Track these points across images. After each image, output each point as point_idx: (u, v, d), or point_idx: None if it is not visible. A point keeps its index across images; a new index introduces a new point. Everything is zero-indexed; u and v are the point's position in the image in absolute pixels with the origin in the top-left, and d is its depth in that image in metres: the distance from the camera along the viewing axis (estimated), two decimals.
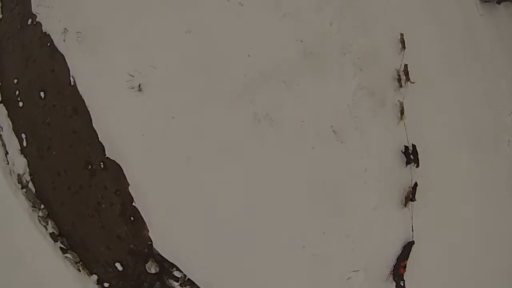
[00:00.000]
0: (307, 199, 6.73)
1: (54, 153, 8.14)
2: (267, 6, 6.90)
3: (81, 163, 7.92)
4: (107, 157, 7.44)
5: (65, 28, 8.16)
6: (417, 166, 7.81)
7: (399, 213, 7.56)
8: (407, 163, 7.69)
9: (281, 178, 6.48)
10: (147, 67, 6.71)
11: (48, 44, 8.68)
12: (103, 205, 7.68)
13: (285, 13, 6.94)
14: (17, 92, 8.89)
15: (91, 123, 7.66)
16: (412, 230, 7.55)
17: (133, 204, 7.31)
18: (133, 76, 6.87)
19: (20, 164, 8.30)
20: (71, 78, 8.07)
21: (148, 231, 7.21)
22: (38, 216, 7.95)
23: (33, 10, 8.74)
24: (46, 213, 8.03)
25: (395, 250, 7.58)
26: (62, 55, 8.18)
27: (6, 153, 8.20)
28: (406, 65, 8.21)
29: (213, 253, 6.77)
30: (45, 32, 8.65)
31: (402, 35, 8.32)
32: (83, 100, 7.70)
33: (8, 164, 8.13)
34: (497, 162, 9.34)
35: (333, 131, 6.64)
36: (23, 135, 8.55)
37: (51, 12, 8.53)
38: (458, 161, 8.88)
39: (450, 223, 8.41)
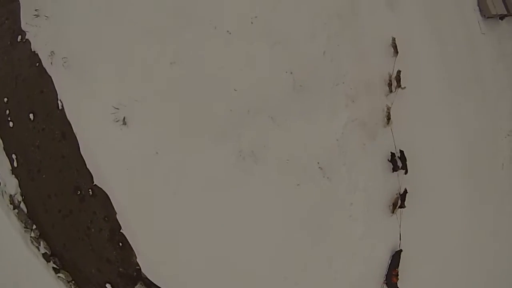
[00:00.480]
0: (290, 232, 6.74)
1: (44, 176, 8.23)
2: (256, 34, 6.65)
3: (71, 188, 8.00)
4: (95, 184, 7.56)
5: (52, 51, 8.03)
6: (406, 173, 7.64)
7: (386, 221, 7.46)
8: (394, 169, 7.52)
9: (264, 213, 6.48)
10: (131, 101, 6.69)
11: (37, 64, 8.58)
12: (93, 230, 7.81)
13: (276, 42, 6.66)
14: (7, 112, 8.89)
15: (79, 149, 7.77)
16: (400, 239, 7.53)
17: (121, 231, 7.49)
18: (117, 108, 6.81)
19: (12, 184, 8.41)
20: (59, 102, 8.06)
21: (136, 257, 7.41)
22: (31, 237, 8.14)
23: (23, 27, 8.65)
24: (38, 234, 8.20)
25: (381, 269, 7.67)
26: (50, 77, 8.24)
27: None
28: (399, 71, 7.98)
29: (198, 280, 6.92)
30: (34, 51, 8.60)
31: (394, 39, 8.05)
32: (71, 126, 7.81)
33: (0, 184, 8.30)
34: (490, 185, 9.26)
35: (319, 167, 6.56)
36: (14, 156, 8.63)
37: (39, 32, 8.44)
38: (449, 188, 8.82)
39: (440, 230, 8.45)
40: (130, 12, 6.93)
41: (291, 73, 6.55)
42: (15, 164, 8.39)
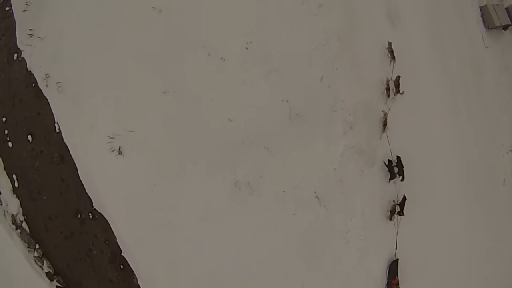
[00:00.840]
0: (287, 260, 6.83)
1: (44, 197, 8.30)
2: (252, 61, 6.54)
3: (71, 211, 8.08)
4: (95, 209, 7.63)
5: (47, 74, 7.96)
6: (402, 180, 7.66)
7: (383, 233, 7.51)
8: (391, 178, 7.55)
9: (260, 242, 6.55)
10: (126, 131, 6.65)
11: (33, 84, 8.48)
12: (94, 252, 7.93)
13: (271, 69, 6.56)
14: (6, 132, 8.87)
15: (78, 173, 7.80)
16: (396, 248, 7.58)
17: (122, 254, 7.61)
18: (113, 138, 6.81)
19: (13, 204, 8.50)
20: (56, 125, 8.07)
21: (137, 279, 7.56)
22: (34, 256, 8.29)
23: (18, 45, 8.52)
24: (41, 253, 8.35)
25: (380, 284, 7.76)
26: (47, 99, 8.18)
27: None
28: (398, 77, 7.93)
29: None
30: (30, 71, 8.53)
31: (390, 44, 7.96)
32: (69, 150, 7.82)
33: (1, 204, 8.39)
34: (490, 200, 9.25)
35: (316, 196, 6.57)
36: (14, 176, 8.71)
37: (33, 52, 8.32)
38: (448, 200, 8.82)
39: (438, 240, 8.50)
40: (123, 38, 6.82)
41: (287, 101, 6.47)
42: (16, 185, 8.46)
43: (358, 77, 7.13)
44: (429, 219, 8.40)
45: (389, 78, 7.83)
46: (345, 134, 6.84)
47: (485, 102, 9.38)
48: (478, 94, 9.28)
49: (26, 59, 8.17)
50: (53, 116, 7.84)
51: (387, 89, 7.86)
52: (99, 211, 7.47)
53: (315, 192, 6.64)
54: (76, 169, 7.62)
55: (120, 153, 6.65)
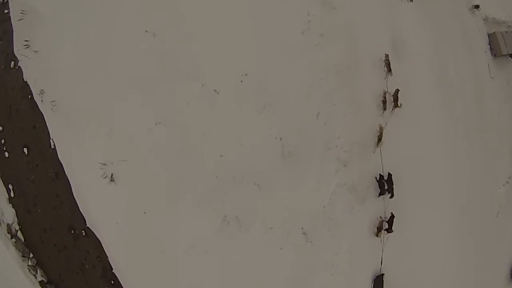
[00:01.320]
0: None
1: (39, 210, 8.43)
2: (246, 94, 6.45)
3: (65, 226, 8.21)
4: (88, 227, 7.75)
5: (42, 90, 7.91)
6: (391, 197, 7.70)
7: (369, 250, 7.56)
8: (380, 193, 7.57)
9: (247, 275, 6.65)
10: (118, 160, 6.66)
11: (29, 96, 8.43)
12: (86, 266, 8.12)
13: (266, 104, 6.47)
14: (2, 141, 8.92)
15: (72, 191, 7.87)
16: (381, 263, 7.70)
17: (113, 271, 7.79)
18: (105, 164, 6.84)
19: (9, 213, 8.62)
20: (51, 141, 8.08)
21: None
22: (28, 265, 8.50)
23: (15, 53, 8.41)
24: (35, 262, 8.57)
25: None
26: (42, 114, 8.16)
27: None
28: (397, 90, 7.83)
29: None
30: (26, 82, 8.46)
31: (387, 56, 7.81)
32: (63, 167, 7.85)
33: None
34: (482, 231, 9.26)
35: (303, 233, 6.62)
36: (10, 186, 8.82)
37: (29, 64, 8.22)
38: (437, 228, 8.80)
39: (426, 261, 8.61)
40: (115, 61, 6.71)
41: (281, 139, 6.41)
42: (12, 194, 8.58)
43: (356, 113, 7.04)
44: (417, 239, 8.46)
45: (386, 91, 7.72)
46: (338, 172, 6.84)
47: (485, 133, 9.26)
48: (479, 124, 9.16)
49: (22, 69, 8.16)
50: (48, 131, 7.90)
51: (384, 102, 7.77)
52: (92, 230, 7.65)
53: (302, 229, 6.70)
54: (70, 187, 7.76)
55: (112, 180, 6.71)
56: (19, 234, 8.76)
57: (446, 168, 8.85)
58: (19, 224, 8.76)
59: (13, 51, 8.43)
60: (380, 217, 7.48)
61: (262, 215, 6.46)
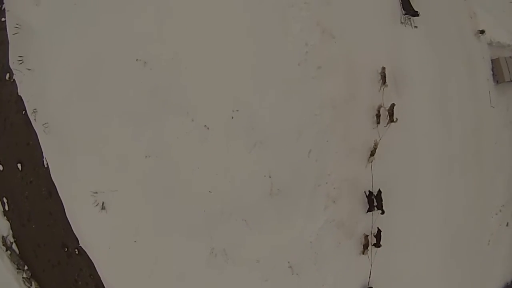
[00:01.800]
0: None
1: (33, 226, 8.53)
2: (236, 131, 6.36)
3: (58, 243, 8.29)
4: (81, 246, 7.83)
5: (35, 109, 7.84)
6: (382, 213, 7.66)
7: (355, 275, 7.54)
8: (369, 210, 7.54)
9: None
10: (109, 189, 6.64)
11: (23, 112, 8.41)
12: (80, 283, 8.27)
13: (257, 142, 6.40)
14: None
15: (65, 211, 7.91)
16: (370, 277, 7.69)
17: None
18: (96, 193, 6.86)
19: (4, 226, 8.69)
20: (44, 160, 8.06)
21: None
22: (23, 277, 8.67)
23: (10, 65, 8.29)
24: (30, 275, 8.73)
25: None
26: (35, 132, 8.10)
27: None
28: (393, 104, 7.75)
29: None
30: (20, 96, 8.37)
31: (383, 68, 7.73)
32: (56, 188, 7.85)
33: None
34: (473, 261, 9.23)
35: (289, 266, 6.65)
36: (5, 199, 8.88)
37: (23, 80, 8.12)
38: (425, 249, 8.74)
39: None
40: (106, 90, 6.64)
41: (270, 176, 6.38)
42: (6, 208, 8.66)
43: (349, 149, 6.95)
44: (406, 259, 8.47)
45: (381, 105, 7.63)
46: (327, 209, 6.83)
47: (482, 160, 9.15)
48: (475, 152, 9.03)
49: (17, 83, 8.06)
50: (42, 150, 7.89)
51: (378, 115, 7.70)
52: (85, 250, 7.74)
53: (288, 262, 6.74)
54: (63, 207, 7.80)
55: (103, 208, 6.75)
56: (14, 246, 8.92)
57: (439, 194, 8.78)
58: (13, 237, 8.92)
59: (8, 63, 8.39)
60: (365, 234, 7.45)
61: (249, 248, 6.51)
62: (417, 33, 8.24)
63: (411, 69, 7.93)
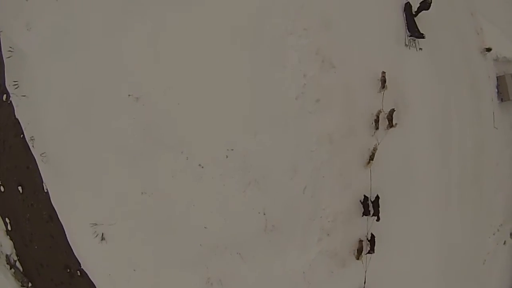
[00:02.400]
0: None
1: (36, 246, 8.70)
2: (231, 170, 6.38)
3: (61, 264, 8.46)
4: (83, 268, 7.99)
5: (32, 137, 7.80)
6: (378, 220, 7.70)
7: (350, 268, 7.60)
8: (364, 214, 7.59)
9: None
10: (107, 223, 6.71)
11: (21, 135, 8.40)
12: None
13: (251, 181, 6.42)
14: None
15: (66, 235, 8.01)
16: (365, 283, 7.79)
17: None
18: (96, 224, 6.97)
19: (7, 245, 8.87)
20: (44, 185, 8.09)
21: None
22: None
23: (7, 86, 8.21)
24: None
25: None
26: (34, 157, 8.09)
27: None
28: (392, 110, 7.70)
29: None
30: (18, 119, 8.31)
31: (384, 73, 7.63)
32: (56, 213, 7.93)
33: None
34: (468, 279, 9.29)
35: None
36: (7, 220, 9.01)
37: (20, 104, 8.05)
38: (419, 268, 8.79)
39: None
40: (99, 124, 6.60)
41: (264, 214, 6.42)
42: (9, 228, 8.81)
43: (346, 183, 6.89)
44: (399, 273, 8.53)
45: (380, 110, 7.55)
46: (320, 241, 6.87)
47: (481, 181, 9.11)
48: (475, 173, 8.98)
49: (14, 105, 8.01)
50: (41, 175, 7.92)
51: (376, 121, 7.62)
52: (87, 273, 7.91)
53: None
54: (64, 231, 7.91)
55: (103, 238, 6.88)
56: (18, 264, 9.15)
57: (436, 215, 8.76)
58: (17, 255, 9.15)
59: (4, 84, 8.30)
60: (360, 239, 7.47)
61: (244, 279, 6.60)
62: (422, 55, 8.04)
63: (412, 94, 7.77)
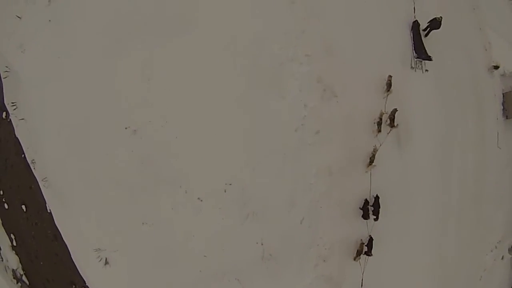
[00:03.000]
0: None
1: (41, 263, 8.89)
2: (229, 204, 6.39)
3: (66, 280, 8.68)
4: (88, 286, 8.18)
5: (33, 160, 7.78)
6: (376, 219, 7.70)
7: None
8: (364, 217, 7.60)
9: None
10: (110, 249, 6.80)
11: (22, 155, 8.41)
12: None
13: (249, 213, 6.43)
14: (1, 192, 9.06)
15: (71, 255, 8.14)
16: (362, 285, 7.79)
17: None
18: (99, 249, 7.05)
19: (13, 260, 9.10)
20: (47, 206, 8.14)
21: None
22: None
23: (6, 105, 8.12)
24: None
25: None
26: (36, 179, 8.09)
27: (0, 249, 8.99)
28: (395, 110, 7.61)
29: None
30: (18, 138, 8.27)
31: (390, 77, 7.50)
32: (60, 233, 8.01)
33: (2, 260, 8.98)
34: None
35: None
36: (13, 236, 9.16)
37: (19, 124, 7.99)
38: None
39: None
40: (97, 156, 6.61)
41: (262, 244, 6.46)
42: (14, 243, 8.99)
43: (343, 212, 6.88)
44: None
45: (383, 112, 7.46)
46: (317, 267, 6.91)
47: (481, 200, 8.97)
48: (476, 192, 8.84)
49: (13, 126, 7.96)
50: (44, 197, 7.96)
51: (379, 123, 7.53)
52: None
53: None
54: (69, 251, 8.04)
55: (107, 263, 7.00)
56: (24, 278, 9.40)
57: (433, 233, 8.59)
58: (23, 270, 9.38)
59: (3, 101, 8.23)
60: (361, 239, 7.49)
61: None
62: (427, 77, 7.78)
63: (416, 118, 7.58)
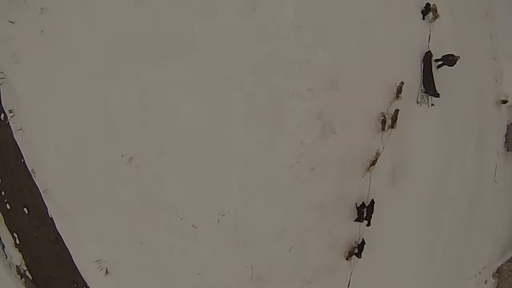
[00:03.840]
0: None
1: (44, 262, 9.23)
2: (222, 232, 6.56)
3: (68, 279, 9.04)
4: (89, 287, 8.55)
5: (33, 169, 7.81)
6: (368, 225, 7.89)
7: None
8: (357, 220, 7.80)
9: None
10: (111, 261, 7.02)
11: (22, 160, 8.45)
12: None
13: (240, 241, 6.64)
14: (3, 193, 9.22)
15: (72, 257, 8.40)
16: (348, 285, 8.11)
17: None
18: (100, 260, 7.30)
19: (16, 257, 9.44)
20: (48, 211, 8.30)
21: None
22: None
23: (4, 107, 8.07)
24: None
25: None
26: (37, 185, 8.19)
27: (3, 246, 9.30)
28: (397, 110, 7.66)
29: None
30: (17, 142, 8.25)
31: (402, 83, 7.43)
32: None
33: (6, 257, 9.32)
34: None
35: None
36: (15, 234, 9.43)
37: (18, 133, 7.92)
38: None
39: None
40: (97, 183, 6.69)
41: (251, 268, 6.73)
42: (17, 242, 9.29)
43: (331, 242, 7.07)
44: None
45: (385, 113, 7.47)
46: None
47: (471, 230, 9.08)
48: (467, 223, 8.89)
49: (12, 130, 7.95)
50: (45, 203, 8.12)
51: (383, 121, 7.52)
52: None
53: None
54: (70, 253, 8.31)
55: (107, 272, 7.26)
56: (27, 273, 9.81)
57: (418, 266, 8.58)
58: (26, 266, 9.77)
59: (1, 103, 8.15)
60: (356, 242, 7.71)
61: None
62: (432, 112, 7.63)
63: (415, 153, 7.50)
